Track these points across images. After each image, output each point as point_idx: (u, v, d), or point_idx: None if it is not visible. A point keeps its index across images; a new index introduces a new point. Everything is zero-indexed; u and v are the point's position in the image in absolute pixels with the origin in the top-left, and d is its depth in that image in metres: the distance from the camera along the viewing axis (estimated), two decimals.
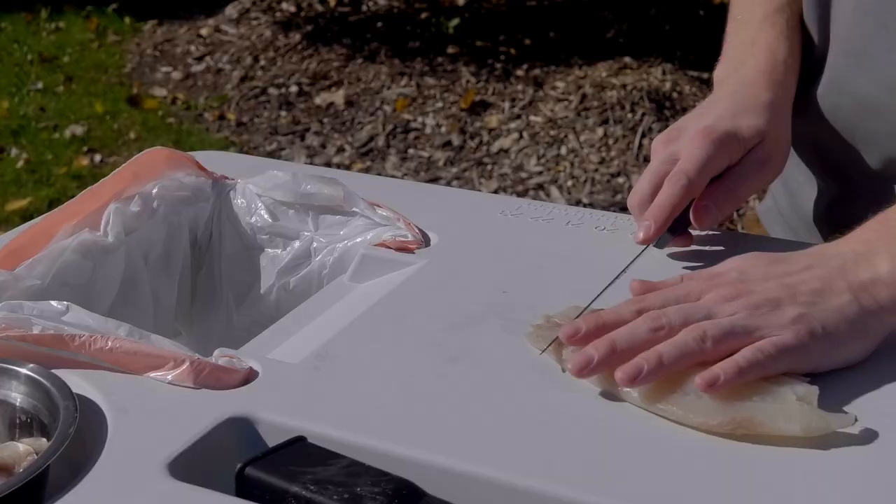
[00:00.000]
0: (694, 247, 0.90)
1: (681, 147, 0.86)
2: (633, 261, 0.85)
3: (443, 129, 3.65)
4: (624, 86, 3.65)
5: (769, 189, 1.13)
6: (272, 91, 4.03)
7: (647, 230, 0.85)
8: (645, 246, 0.86)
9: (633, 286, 0.77)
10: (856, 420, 0.67)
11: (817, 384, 0.69)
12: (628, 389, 0.69)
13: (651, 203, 0.86)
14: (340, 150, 3.59)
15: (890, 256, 0.74)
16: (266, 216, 0.98)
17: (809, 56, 0.97)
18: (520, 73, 3.94)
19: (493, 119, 3.67)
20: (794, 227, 1.08)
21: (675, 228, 0.87)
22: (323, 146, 3.63)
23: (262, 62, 4.26)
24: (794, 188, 1.07)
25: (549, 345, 0.74)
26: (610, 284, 0.82)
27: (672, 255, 0.89)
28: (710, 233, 0.93)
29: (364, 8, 4.64)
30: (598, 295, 0.80)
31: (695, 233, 0.91)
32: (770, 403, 0.67)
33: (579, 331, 0.72)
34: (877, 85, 0.91)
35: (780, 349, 0.69)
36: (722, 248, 0.90)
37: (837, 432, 0.66)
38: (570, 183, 3.27)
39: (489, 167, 3.42)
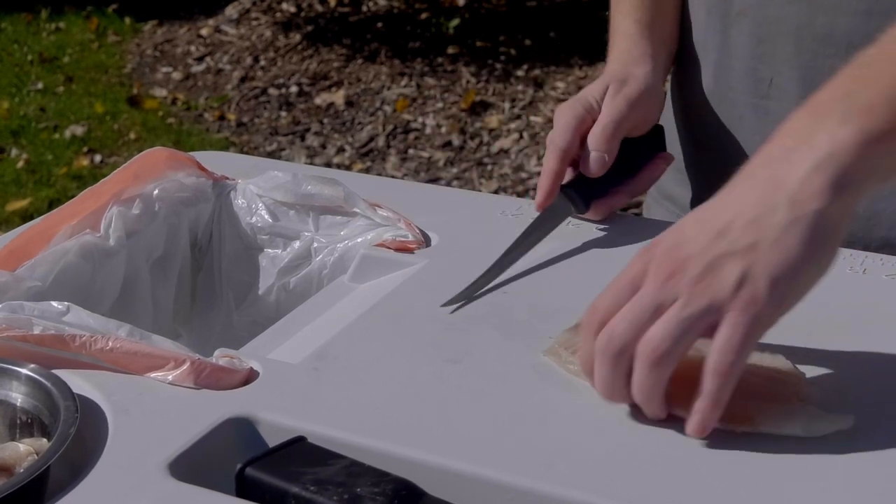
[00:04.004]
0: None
1: (590, 101, 0.95)
2: (541, 225, 0.91)
3: (443, 130, 3.65)
4: None
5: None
6: (272, 91, 4.03)
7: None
8: (553, 212, 0.93)
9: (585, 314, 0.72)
10: (854, 421, 0.66)
11: (818, 384, 0.69)
12: None
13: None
14: (341, 150, 3.59)
15: (812, 153, 0.65)
16: (266, 216, 0.98)
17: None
18: (520, 73, 3.94)
19: (493, 119, 3.67)
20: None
21: (585, 190, 0.93)
22: (323, 146, 3.63)
23: (263, 62, 4.27)
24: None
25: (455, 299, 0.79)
26: (514, 255, 0.88)
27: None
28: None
29: (364, 8, 4.64)
30: (500, 264, 0.86)
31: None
32: (771, 403, 0.67)
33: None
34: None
35: (736, 343, 0.63)
36: None
37: (837, 433, 0.66)
38: None
39: (489, 167, 3.42)
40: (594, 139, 0.93)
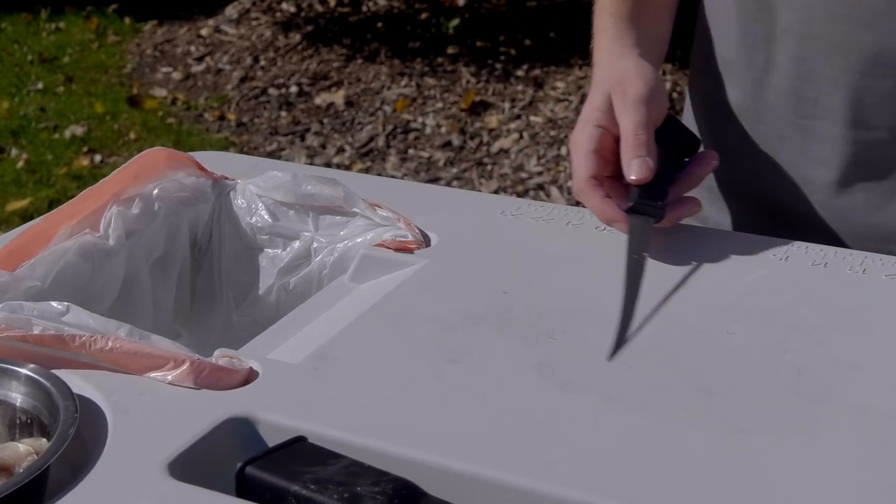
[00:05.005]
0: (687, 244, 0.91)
1: (598, 117, 0.91)
2: (638, 240, 0.86)
3: (443, 130, 3.65)
4: None
5: None
6: (272, 91, 4.03)
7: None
8: (637, 222, 0.87)
9: None
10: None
11: (809, 380, 0.69)
12: None
13: (605, 182, 0.89)
14: (340, 150, 3.59)
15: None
16: (266, 216, 0.98)
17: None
18: (520, 73, 3.94)
19: (493, 119, 3.67)
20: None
21: (652, 199, 0.88)
22: (323, 146, 3.63)
23: (263, 62, 4.27)
24: None
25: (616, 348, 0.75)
26: (636, 276, 0.83)
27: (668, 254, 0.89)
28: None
29: (364, 8, 4.64)
30: (634, 297, 0.81)
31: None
32: None
33: None
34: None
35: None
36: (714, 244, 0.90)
37: (836, 433, 0.66)
38: (570, 183, 3.26)
39: (489, 167, 3.42)
40: (629, 149, 0.88)
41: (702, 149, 0.98)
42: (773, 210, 1.04)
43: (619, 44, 0.97)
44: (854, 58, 0.92)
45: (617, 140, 0.90)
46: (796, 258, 0.89)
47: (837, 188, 0.97)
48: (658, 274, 0.85)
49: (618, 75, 0.93)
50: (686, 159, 0.94)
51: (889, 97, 0.92)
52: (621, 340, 0.76)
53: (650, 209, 0.88)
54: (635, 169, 0.87)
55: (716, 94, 1.04)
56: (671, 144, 0.93)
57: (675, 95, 3.57)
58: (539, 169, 3.36)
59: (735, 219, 1.07)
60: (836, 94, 0.94)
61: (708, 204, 1.06)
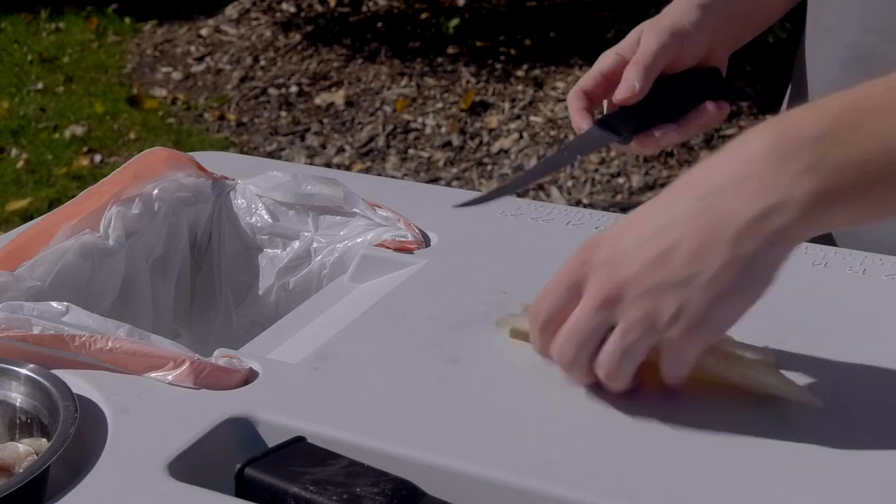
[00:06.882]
0: None
1: (624, 47, 0.90)
2: (587, 141, 0.88)
3: (443, 130, 3.65)
4: None
5: None
6: (272, 91, 4.03)
7: (632, 88, 0.86)
8: (600, 129, 0.88)
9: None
10: (821, 404, 0.67)
11: (816, 383, 0.69)
12: None
13: (608, 90, 0.90)
14: (340, 150, 3.59)
15: (764, 194, 0.63)
16: (266, 216, 0.98)
17: (822, 38, 0.97)
18: (520, 73, 3.94)
19: (493, 119, 3.67)
20: None
21: (625, 125, 0.89)
22: (323, 146, 3.63)
23: (262, 62, 4.27)
24: None
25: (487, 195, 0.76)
26: (541, 168, 0.82)
27: None
28: None
29: (364, 8, 4.64)
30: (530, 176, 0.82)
31: None
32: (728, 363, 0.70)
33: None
34: None
35: (684, 364, 0.67)
36: None
37: (840, 434, 0.66)
38: (570, 183, 3.27)
39: (489, 167, 3.42)
40: (626, 72, 0.90)
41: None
42: None
43: (685, 3, 0.95)
44: (878, 73, 0.91)
45: None
46: (797, 258, 0.88)
47: None
48: None
49: (658, 17, 0.93)
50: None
51: None
52: (486, 198, 0.76)
53: (617, 127, 0.90)
54: (620, 89, 0.89)
55: None
56: (692, 89, 0.93)
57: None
58: None
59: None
60: None
61: None
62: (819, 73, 0.95)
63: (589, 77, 0.92)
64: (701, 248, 0.64)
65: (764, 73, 3.57)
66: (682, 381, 0.68)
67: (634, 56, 0.90)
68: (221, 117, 3.90)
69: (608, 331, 0.67)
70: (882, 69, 0.88)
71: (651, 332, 0.65)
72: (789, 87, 1.08)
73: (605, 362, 0.67)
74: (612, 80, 0.92)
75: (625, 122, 0.91)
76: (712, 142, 3.31)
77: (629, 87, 0.89)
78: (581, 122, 0.91)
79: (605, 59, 0.92)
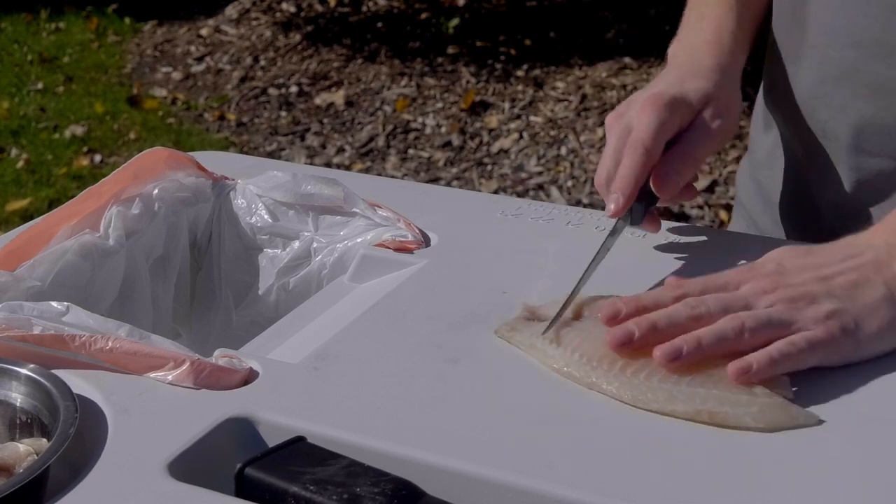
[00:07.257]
0: (685, 239, 0.91)
1: (632, 117, 0.87)
2: (612, 236, 0.85)
3: (443, 130, 3.65)
4: (624, 86, 3.65)
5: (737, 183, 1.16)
6: (272, 91, 4.03)
7: (617, 202, 0.85)
8: (619, 221, 0.86)
9: (670, 280, 0.79)
10: (821, 421, 0.67)
11: (816, 383, 0.69)
12: (598, 380, 0.71)
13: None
14: (340, 150, 3.59)
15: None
16: (266, 216, 0.98)
17: (795, 54, 0.98)
18: (520, 73, 3.94)
19: (493, 119, 3.67)
20: (755, 219, 1.09)
21: (644, 201, 0.87)
22: (323, 146, 3.63)
23: (262, 62, 4.27)
24: (762, 181, 1.08)
25: (550, 325, 0.76)
26: (593, 267, 0.82)
27: (659, 248, 0.89)
28: (697, 234, 0.93)
29: (364, 8, 4.64)
30: (583, 281, 0.80)
31: (687, 237, 0.92)
32: (737, 394, 0.68)
33: (619, 312, 0.73)
34: None
35: (812, 343, 0.70)
36: (709, 244, 0.90)
37: (837, 435, 0.66)
38: (570, 183, 3.27)
39: (489, 167, 3.42)
40: (681, 162, 0.86)
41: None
42: (786, 221, 1.06)
43: (720, 43, 0.95)
44: (861, 86, 0.91)
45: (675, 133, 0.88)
46: None
47: (838, 211, 0.97)
48: (658, 273, 0.85)
49: (685, 73, 0.91)
50: None
51: (891, 129, 0.91)
52: (557, 318, 0.77)
53: (634, 211, 0.87)
54: (672, 184, 0.86)
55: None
56: None
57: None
58: (539, 169, 3.36)
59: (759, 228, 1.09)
60: (843, 119, 0.93)
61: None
62: (805, 89, 0.96)
63: (657, 133, 0.85)
64: (861, 283, 0.74)
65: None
66: (780, 355, 0.69)
67: (694, 152, 0.87)
68: (221, 117, 3.90)
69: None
70: (868, 83, 0.89)
71: (796, 321, 0.71)
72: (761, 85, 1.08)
73: (739, 320, 0.71)
74: (668, 137, 0.87)
75: (642, 200, 0.87)
76: None
77: (677, 185, 0.86)
78: (632, 195, 0.86)
79: (659, 112, 0.86)
